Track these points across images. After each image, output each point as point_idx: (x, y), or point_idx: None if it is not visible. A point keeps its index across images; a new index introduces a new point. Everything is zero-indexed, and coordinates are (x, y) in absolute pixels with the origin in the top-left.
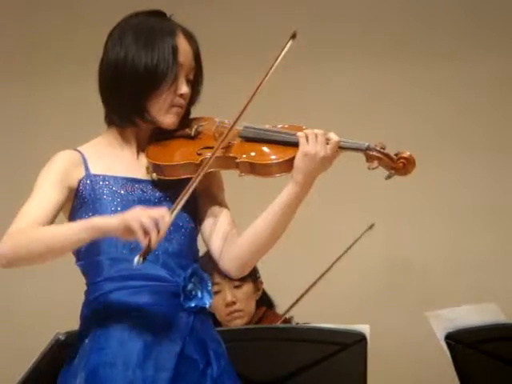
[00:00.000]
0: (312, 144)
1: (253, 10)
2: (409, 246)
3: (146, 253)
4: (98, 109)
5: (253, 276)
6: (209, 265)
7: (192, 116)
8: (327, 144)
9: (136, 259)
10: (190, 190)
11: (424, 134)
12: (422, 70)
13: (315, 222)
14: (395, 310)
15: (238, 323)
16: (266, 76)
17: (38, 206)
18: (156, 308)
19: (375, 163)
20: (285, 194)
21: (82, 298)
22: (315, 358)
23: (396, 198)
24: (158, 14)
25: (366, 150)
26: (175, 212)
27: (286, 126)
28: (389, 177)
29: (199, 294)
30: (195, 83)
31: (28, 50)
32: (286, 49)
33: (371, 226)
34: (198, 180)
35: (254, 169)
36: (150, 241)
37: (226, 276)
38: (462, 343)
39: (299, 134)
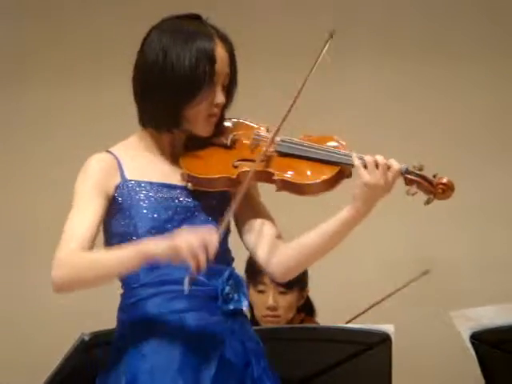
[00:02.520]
0: (372, 173)
1: (278, 13)
2: (433, 245)
3: (194, 277)
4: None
5: (301, 285)
6: None
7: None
8: (388, 171)
9: (186, 287)
10: (234, 209)
11: (445, 135)
12: (440, 72)
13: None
14: (420, 310)
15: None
16: (305, 82)
17: (82, 223)
18: (194, 313)
19: (414, 188)
20: (343, 217)
21: (103, 298)
22: (340, 358)
23: (418, 198)
24: (196, 18)
25: (404, 174)
26: (221, 232)
27: (315, 138)
28: (428, 202)
29: (236, 297)
30: (229, 89)
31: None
32: (324, 50)
33: (426, 272)
34: (239, 199)
35: (291, 187)
36: (199, 265)
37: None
38: (486, 343)
39: (357, 160)
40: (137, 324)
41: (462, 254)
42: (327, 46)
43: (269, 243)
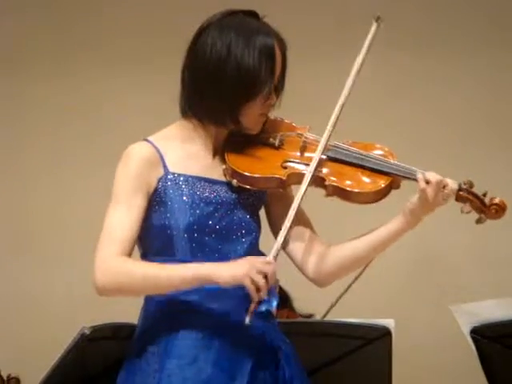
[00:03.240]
0: (432, 191)
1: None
2: (434, 240)
3: (256, 309)
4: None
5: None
6: None
7: None
8: (443, 189)
9: (248, 319)
10: (289, 224)
11: (446, 130)
12: (441, 66)
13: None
14: (420, 304)
15: None
16: (355, 75)
17: (124, 223)
18: (226, 314)
19: (467, 206)
20: (392, 228)
21: None
22: (340, 353)
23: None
24: (254, 15)
25: (457, 191)
26: (277, 256)
27: (361, 145)
28: (479, 221)
29: (266, 298)
30: (277, 89)
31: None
32: (371, 36)
33: None
34: (295, 210)
35: (342, 193)
36: (261, 297)
37: None
38: (487, 337)
39: (419, 176)
40: (169, 320)
41: (462, 248)
42: (373, 30)
43: (318, 257)
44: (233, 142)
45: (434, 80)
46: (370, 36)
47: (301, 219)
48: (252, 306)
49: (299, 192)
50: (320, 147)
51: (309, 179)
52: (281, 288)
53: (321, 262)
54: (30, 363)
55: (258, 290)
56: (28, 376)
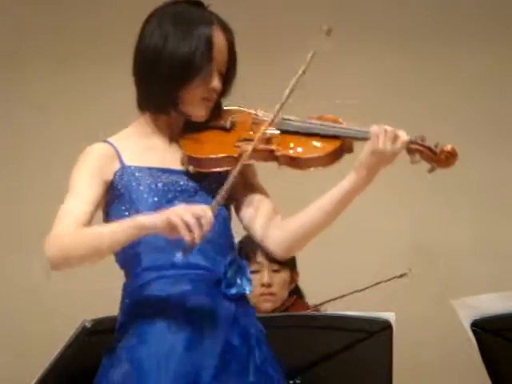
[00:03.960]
0: (382, 142)
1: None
2: (434, 233)
3: (189, 249)
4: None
5: (292, 265)
6: (253, 244)
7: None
8: (395, 140)
9: (178, 255)
10: (230, 185)
11: (446, 121)
12: (440, 61)
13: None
14: (420, 298)
15: (268, 306)
16: (303, 71)
17: (77, 205)
18: (197, 297)
19: (417, 157)
20: (345, 185)
21: (105, 285)
22: (340, 346)
23: (421, 185)
24: (197, 4)
25: (409, 144)
26: (216, 207)
27: (315, 117)
28: (431, 170)
29: (239, 281)
30: (227, 77)
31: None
32: (318, 46)
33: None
34: (236, 174)
35: (293, 162)
36: (193, 237)
37: (269, 258)
38: (487, 331)
39: (372, 130)
40: (140, 308)
41: (462, 241)
42: (322, 42)
43: (266, 218)
44: (187, 131)
45: (432, 78)
46: (318, 46)
47: (258, 194)
48: (184, 250)
49: (239, 162)
50: (268, 121)
51: (253, 147)
52: (296, 285)
53: (279, 232)
54: (28, 356)
55: (190, 232)
56: (29, 373)
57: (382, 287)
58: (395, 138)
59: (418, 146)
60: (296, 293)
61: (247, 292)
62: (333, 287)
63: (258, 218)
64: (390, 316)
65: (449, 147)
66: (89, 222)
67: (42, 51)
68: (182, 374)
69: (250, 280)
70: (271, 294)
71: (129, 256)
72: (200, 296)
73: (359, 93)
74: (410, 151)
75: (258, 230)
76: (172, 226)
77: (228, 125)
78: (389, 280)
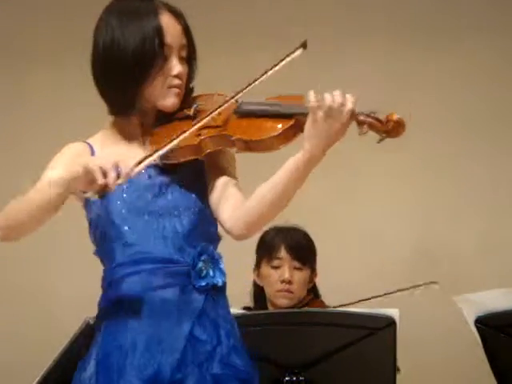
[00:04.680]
0: (328, 101)
1: None
2: (438, 229)
3: (102, 191)
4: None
5: (313, 264)
6: (276, 238)
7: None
8: (342, 107)
9: (89, 194)
10: (171, 145)
11: (453, 119)
12: (446, 58)
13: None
14: (425, 294)
15: (284, 303)
16: (279, 63)
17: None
18: (167, 290)
19: (365, 128)
20: (292, 161)
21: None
22: (345, 343)
23: (425, 183)
24: None
25: (356, 114)
26: (144, 162)
27: (275, 97)
28: (381, 140)
29: (211, 273)
30: (189, 60)
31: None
32: (291, 57)
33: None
34: (182, 136)
35: (249, 145)
36: (107, 182)
37: (293, 254)
38: (491, 327)
39: (312, 101)
40: (113, 305)
41: (466, 237)
42: (295, 54)
43: (230, 203)
44: (158, 125)
45: (439, 72)
46: (290, 58)
47: (225, 178)
48: (98, 189)
49: (194, 126)
50: (222, 104)
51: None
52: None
53: (236, 212)
54: (32, 353)
55: (104, 174)
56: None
57: (385, 284)
58: (341, 104)
59: (365, 118)
60: (313, 292)
61: (219, 283)
62: (339, 284)
63: (223, 205)
64: (393, 312)
65: (395, 117)
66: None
67: (43, 49)
68: (144, 368)
69: (223, 271)
70: (290, 291)
71: (105, 251)
72: (169, 289)
73: (361, 86)
74: (359, 122)
75: (222, 216)
76: (88, 171)
77: (192, 113)
78: (414, 287)
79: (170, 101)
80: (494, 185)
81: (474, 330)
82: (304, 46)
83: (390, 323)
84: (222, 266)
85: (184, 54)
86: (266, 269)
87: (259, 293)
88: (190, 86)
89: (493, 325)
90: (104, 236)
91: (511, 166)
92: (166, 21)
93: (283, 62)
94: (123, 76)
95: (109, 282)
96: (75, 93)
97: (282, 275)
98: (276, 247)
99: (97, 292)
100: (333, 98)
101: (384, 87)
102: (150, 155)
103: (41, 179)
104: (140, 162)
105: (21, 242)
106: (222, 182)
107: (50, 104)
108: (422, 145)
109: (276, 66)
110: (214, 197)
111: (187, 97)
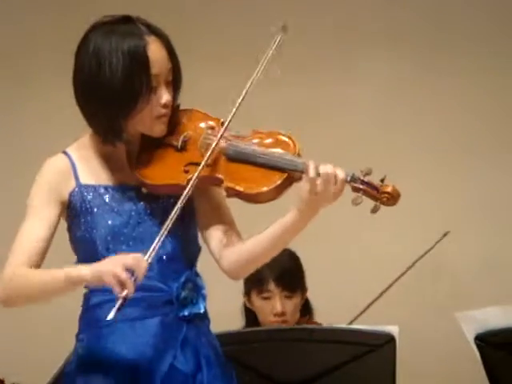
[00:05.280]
0: (318, 181)
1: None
2: (438, 245)
3: (122, 306)
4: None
5: (303, 287)
6: (264, 270)
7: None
8: (334, 179)
9: (111, 314)
10: (172, 220)
11: (453, 136)
12: (444, 74)
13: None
14: (424, 311)
15: None
16: (252, 82)
17: (32, 236)
18: (147, 321)
19: (360, 196)
20: (287, 221)
21: None
22: (344, 359)
23: (425, 199)
24: (125, 20)
25: (350, 182)
26: (153, 252)
27: (264, 134)
28: (374, 210)
29: (194, 301)
30: (174, 84)
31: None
32: (275, 45)
33: (446, 233)
34: (179, 207)
35: (240, 196)
36: (125, 294)
37: (281, 285)
38: (491, 344)
39: (308, 165)
40: (87, 330)
41: (466, 254)
42: (277, 41)
43: (222, 239)
44: (144, 147)
45: (436, 89)
46: (273, 46)
47: (221, 214)
48: (118, 303)
49: (185, 191)
50: (212, 149)
51: (196, 178)
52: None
53: (233, 254)
54: (35, 371)
55: (122, 285)
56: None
57: (384, 301)
58: (333, 177)
59: (360, 185)
60: (305, 308)
61: (201, 311)
62: (341, 304)
63: (214, 239)
64: (393, 329)
65: (389, 188)
66: (43, 255)
67: (47, 65)
68: None
69: (204, 298)
70: (284, 321)
71: None
72: (151, 319)
73: (363, 101)
74: (354, 189)
75: (214, 251)
76: (102, 279)
77: (179, 145)
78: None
79: (158, 129)
80: (496, 201)
81: (474, 347)
82: (284, 29)
83: (389, 340)
84: (204, 291)
85: (170, 77)
86: (256, 300)
87: (251, 315)
88: (175, 105)
89: (493, 342)
90: (86, 258)
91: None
92: (153, 48)
93: (269, 55)
94: (109, 106)
95: (88, 307)
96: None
97: (275, 308)
98: (264, 280)
99: None
100: (326, 168)
101: (382, 102)
102: (160, 238)
103: (29, 216)
104: (151, 252)
105: None
106: (213, 212)
107: (49, 117)
108: (422, 166)
109: (264, 61)
110: (205, 227)
111: (172, 119)
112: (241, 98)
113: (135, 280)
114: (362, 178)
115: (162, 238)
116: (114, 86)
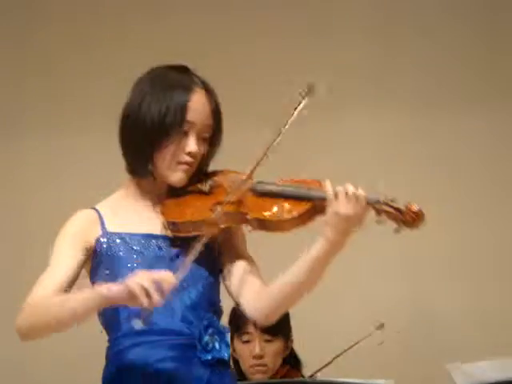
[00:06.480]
0: (342, 203)
1: (272, 63)
2: (431, 297)
3: (148, 316)
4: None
5: (285, 334)
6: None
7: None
8: (357, 201)
9: (136, 322)
10: (198, 248)
11: (442, 185)
12: (438, 121)
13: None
14: (418, 363)
15: (259, 378)
16: (280, 134)
17: (54, 274)
18: (170, 364)
19: (383, 217)
20: (315, 251)
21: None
22: None
23: (418, 247)
24: (180, 68)
25: (373, 204)
26: (182, 272)
27: (290, 180)
28: (397, 231)
29: (217, 346)
30: (212, 142)
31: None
32: (300, 106)
33: (380, 327)
34: (205, 238)
35: (264, 225)
36: (151, 304)
37: (261, 328)
38: None
39: (328, 191)
40: (117, 374)
41: (459, 306)
42: (304, 101)
43: (251, 290)
44: (170, 195)
45: (431, 135)
46: (299, 107)
47: (244, 263)
48: (144, 314)
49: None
50: (240, 183)
51: (222, 209)
52: (292, 351)
53: (258, 299)
54: None
55: (148, 295)
56: None
57: (379, 354)
58: (356, 198)
59: (384, 207)
60: (291, 360)
61: (225, 357)
62: (329, 353)
63: (245, 292)
64: (388, 383)
65: (415, 208)
66: (71, 287)
67: (40, 117)
68: None
69: (228, 345)
70: (262, 365)
71: (109, 321)
72: (174, 363)
73: (357, 150)
74: (377, 212)
75: (244, 303)
76: (130, 293)
77: (207, 189)
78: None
79: (177, 175)
80: (489, 251)
81: None
82: (310, 91)
83: None
84: (227, 339)
85: (207, 134)
86: (237, 344)
87: (235, 367)
88: (206, 166)
89: None
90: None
91: (508, 234)
92: (197, 98)
93: (295, 115)
94: (140, 138)
95: (114, 352)
96: (74, 158)
97: (253, 350)
98: (244, 322)
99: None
100: (347, 191)
101: (377, 151)
102: (187, 261)
103: (54, 256)
104: (180, 271)
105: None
106: (241, 267)
107: (47, 170)
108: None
109: (288, 121)
110: (234, 281)
111: (198, 175)
112: (268, 145)
113: (162, 293)
114: (386, 201)
115: (191, 257)
116: (148, 120)
